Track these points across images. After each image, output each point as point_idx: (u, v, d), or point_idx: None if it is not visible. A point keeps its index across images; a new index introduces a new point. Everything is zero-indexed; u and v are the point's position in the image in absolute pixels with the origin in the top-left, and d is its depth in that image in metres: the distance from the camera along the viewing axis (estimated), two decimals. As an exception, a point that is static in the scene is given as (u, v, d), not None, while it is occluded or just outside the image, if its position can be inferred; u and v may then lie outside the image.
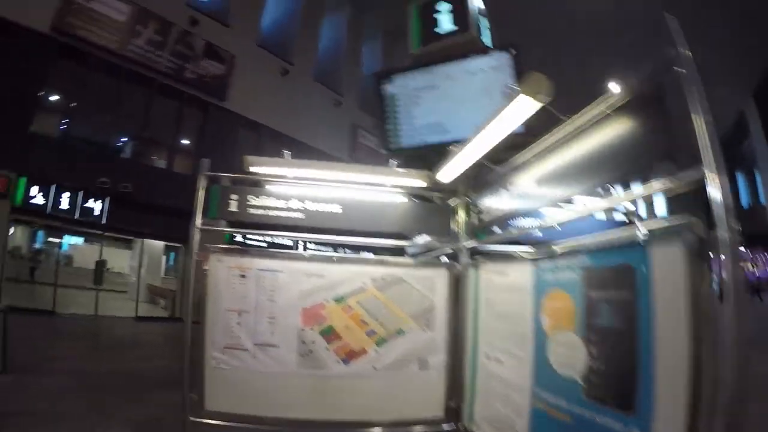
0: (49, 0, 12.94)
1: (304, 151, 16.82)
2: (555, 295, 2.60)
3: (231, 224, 4.10)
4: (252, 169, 3.61)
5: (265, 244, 13.69)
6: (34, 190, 12.75)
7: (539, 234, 3.51)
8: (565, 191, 2.67)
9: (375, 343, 3.69)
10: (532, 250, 3.03)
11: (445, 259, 4.26)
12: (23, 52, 12.38)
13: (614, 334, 2.08)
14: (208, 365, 3.59)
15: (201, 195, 3.71)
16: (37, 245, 23.33)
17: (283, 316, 3.65)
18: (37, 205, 12.89)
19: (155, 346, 11.43)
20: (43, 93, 13.84)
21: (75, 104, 14.43)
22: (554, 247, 2.67)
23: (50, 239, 22.65)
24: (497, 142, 2.88)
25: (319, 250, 16.12)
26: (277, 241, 14.43)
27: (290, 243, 15.00)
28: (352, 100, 23.54)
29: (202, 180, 3.74)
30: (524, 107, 2.39)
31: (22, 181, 12.38)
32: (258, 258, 3.77)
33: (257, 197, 3.83)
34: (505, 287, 3.24)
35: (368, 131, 23.92)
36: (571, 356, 2.33)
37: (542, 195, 2.89)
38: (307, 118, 19.90)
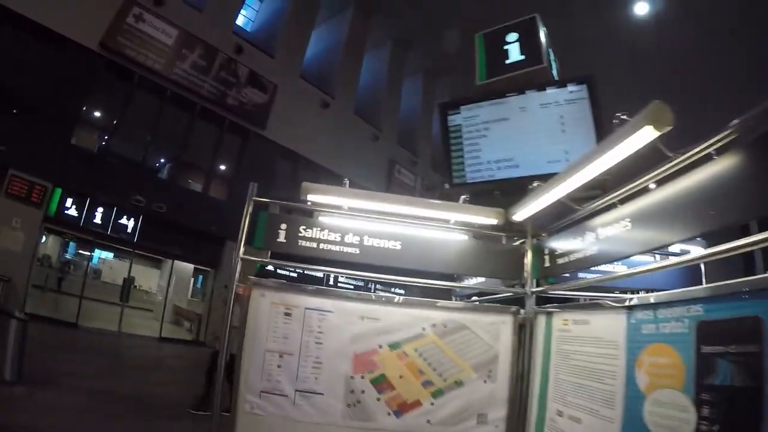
0: (100, 18, 13.31)
1: (340, 183, 16.61)
2: (656, 350, 2.25)
3: (275, 256, 3.74)
4: (310, 197, 3.28)
5: (295, 275, 13.46)
6: (68, 201, 12.93)
7: (620, 281, 3.11)
8: (664, 236, 2.32)
9: (431, 394, 3.29)
10: (626, 298, 2.65)
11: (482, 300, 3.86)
12: (71, 65, 12.70)
13: (734, 393, 1.79)
14: (241, 409, 3.22)
15: (247, 222, 3.41)
16: (67, 256, 23.63)
17: (330, 362, 3.28)
18: (70, 216, 13.05)
19: (177, 371, 11.17)
20: (86, 107, 14.19)
21: (116, 121, 14.67)
22: (657, 296, 2.31)
23: (80, 251, 22.87)
24: (591, 179, 2.54)
25: (348, 285, 15.92)
26: (307, 273, 14.24)
27: (320, 275, 14.84)
28: (389, 135, 23.58)
29: (250, 206, 3.45)
30: (641, 139, 2.07)
31: (58, 191, 12.55)
32: (306, 295, 3.41)
33: (310, 228, 3.49)
34: (586, 338, 2.85)
35: (405, 167, 23.89)
36: (676, 417, 2.02)
37: (633, 240, 2.50)
38: (345, 151, 19.96)
